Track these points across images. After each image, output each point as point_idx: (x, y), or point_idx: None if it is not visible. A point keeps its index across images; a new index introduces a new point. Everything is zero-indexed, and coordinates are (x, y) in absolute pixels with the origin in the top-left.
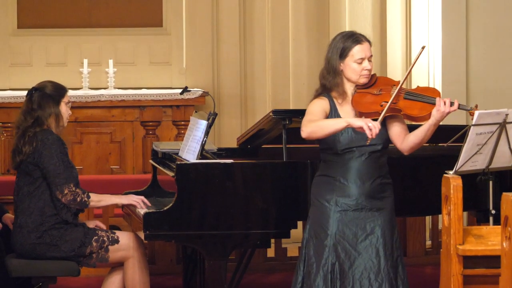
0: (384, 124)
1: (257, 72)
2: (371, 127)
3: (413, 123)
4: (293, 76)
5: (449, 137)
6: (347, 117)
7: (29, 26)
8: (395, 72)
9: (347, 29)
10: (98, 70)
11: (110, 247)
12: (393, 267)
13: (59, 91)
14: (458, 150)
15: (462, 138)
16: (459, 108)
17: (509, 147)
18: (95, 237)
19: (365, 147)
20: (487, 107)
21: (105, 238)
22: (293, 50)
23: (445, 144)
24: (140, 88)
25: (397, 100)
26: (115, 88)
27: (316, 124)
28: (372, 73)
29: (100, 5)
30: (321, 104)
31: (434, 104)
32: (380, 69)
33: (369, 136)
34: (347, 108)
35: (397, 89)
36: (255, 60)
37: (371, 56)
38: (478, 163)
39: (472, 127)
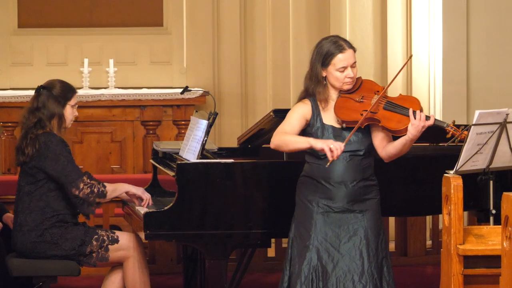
0: (368, 129)
1: (258, 71)
2: (333, 149)
3: (392, 135)
4: (293, 76)
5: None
6: (329, 124)
7: (29, 26)
8: (395, 72)
9: (348, 28)
10: (98, 69)
11: (110, 246)
12: (377, 268)
13: (66, 93)
14: (459, 149)
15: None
16: (434, 123)
17: (510, 147)
18: (95, 236)
19: (347, 152)
20: (488, 107)
21: (105, 238)
22: (293, 50)
23: (445, 144)
24: (141, 88)
25: (377, 109)
26: (115, 87)
27: (282, 139)
28: (360, 76)
29: (100, 5)
30: (302, 111)
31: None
32: (381, 69)
33: (330, 159)
34: (330, 114)
35: (377, 99)
36: (255, 60)
37: (355, 62)
38: (479, 163)
39: (472, 126)
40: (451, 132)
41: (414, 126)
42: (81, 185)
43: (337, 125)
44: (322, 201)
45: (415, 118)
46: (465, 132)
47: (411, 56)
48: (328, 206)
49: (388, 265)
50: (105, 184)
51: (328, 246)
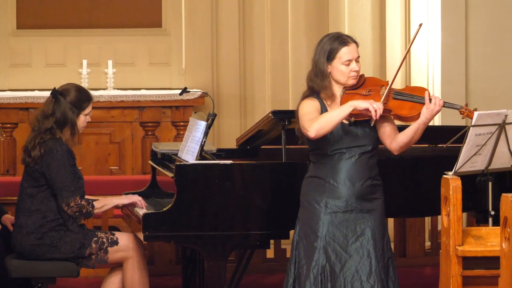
0: (373, 125)
1: (257, 72)
2: (376, 108)
3: (403, 123)
4: (292, 77)
5: (449, 138)
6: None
7: (28, 27)
8: (394, 73)
9: (347, 30)
10: (97, 70)
11: (109, 248)
12: (384, 268)
13: (81, 103)
14: (458, 151)
15: (462, 139)
16: (445, 106)
17: (509, 148)
18: (94, 239)
19: (355, 148)
20: (486, 108)
21: (104, 240)
22: (292, 51)
23: (444, 145)
24: (139, 89)
25: (387, 100)
26: (114, 88)
27: (321, 120)
28: (362, 73)
29: (99, 6)
30: (313, 104)
31: (423, 103)
32: (380, 70)
33: (374, 118)
34: None
35: (387, 90)
36: (254, 61)
37: (358, 57)
38: (478, 164)
39: (471, 128)
40: (465, 113)
41: (429, 110)
42: (72, 203)
43: (344, 121)
44: (330, 201)
45: (430, 102)
46: None
47: (421, 25)
48: (335, 206)
49: (394, 265)
50: (94, 203)
51: (336, 246)
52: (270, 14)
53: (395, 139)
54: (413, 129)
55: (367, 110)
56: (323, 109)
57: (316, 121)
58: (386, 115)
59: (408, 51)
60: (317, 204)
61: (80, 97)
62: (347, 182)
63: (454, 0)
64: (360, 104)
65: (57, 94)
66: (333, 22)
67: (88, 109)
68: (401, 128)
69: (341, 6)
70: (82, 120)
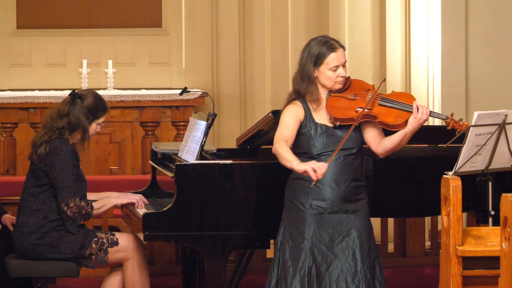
0: (359, 128)
1: (257, 72)
2: (316, 168)
3: (388, 129)
4: (292, 77)
5: (449, 137)
6: (322, 123)
7: (28, 27)
8: (394, 73)
9: (347, 30)
10: (97, 70)
11: (109, 249)
12: (370, 268)
13: (97, 111)
14: (458, 150)
15: (462, 139)
16: (431, 115)
17: (509, 148)
18: (94, 239)
19: (340, 150)
20: (487, 108)
21: (104, 240)
22: (292, 51)
23: (444, 145)
24: (140, 89)
25: (372, 106)
26: (114, 88)
27: (277, 151)
28: (348, 75)
29: (99, 6)
30: (295, 113)
31: (410, 112)
32: (380, 70)
33: (314, 178)
34: (322, 113)
35: (372, 96)
36: (254, 61)
37: (345, 62)
38: (478, 164)
39: (471, 128)
40: (451, 124)
41: (417, 119)
42: (71, 204)
43: (329, 124)
44: (315, 202)
45: (417, 111)
46: (465, 123)
47: (384, 79)
48: (321, 207)
49: (380, 264)
50: (93, 204)
51: (322, 247)
52: (270, 14)
53: (381, 144)
54: (400, 137)
55: (306, 172)
56: (307, 115)
57: (276, 147)
58: (369, 121)
59: (383, 82)
60: (302, 205)
61: (97, 105)
62: (332, 184)
63: (454, 0)
64: (299, 167)
65: (75, 96)
66: (333, 22)
67: (102, 119)
68: (385, 130)
69: (341, 6)
70: (94, 128)
